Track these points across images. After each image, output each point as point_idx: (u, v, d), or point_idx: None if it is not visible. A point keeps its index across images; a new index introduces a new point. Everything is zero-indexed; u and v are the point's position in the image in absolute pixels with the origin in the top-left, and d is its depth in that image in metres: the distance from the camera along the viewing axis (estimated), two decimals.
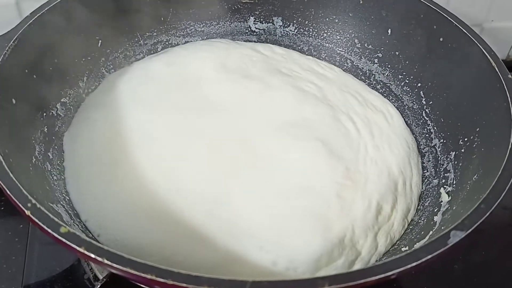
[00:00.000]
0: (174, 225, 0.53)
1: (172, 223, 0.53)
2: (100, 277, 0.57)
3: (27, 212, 0.40)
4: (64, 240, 0.38)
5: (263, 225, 0.53)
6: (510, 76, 0.55)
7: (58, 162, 0.59)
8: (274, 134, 0.62)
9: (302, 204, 0.55)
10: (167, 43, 0.78)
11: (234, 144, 0.61)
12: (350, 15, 0.76)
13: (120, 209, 0.55)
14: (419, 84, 0.70)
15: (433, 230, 0.52)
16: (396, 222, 0.58)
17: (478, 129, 0.57)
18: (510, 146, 0.48)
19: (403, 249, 0.54)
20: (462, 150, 0.59)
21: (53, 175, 0.56)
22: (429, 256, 0.38)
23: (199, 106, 0.65)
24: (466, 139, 0.59)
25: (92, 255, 0.37)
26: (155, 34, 0.77)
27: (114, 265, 0.36)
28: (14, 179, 0.42)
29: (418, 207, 0.61)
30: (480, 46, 0.59)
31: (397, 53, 0.73)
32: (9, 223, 0.66)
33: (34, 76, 0.58)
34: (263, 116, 0.65)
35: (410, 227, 0.58)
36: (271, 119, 0.64)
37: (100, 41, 0.70)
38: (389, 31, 0.73)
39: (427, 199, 0.61)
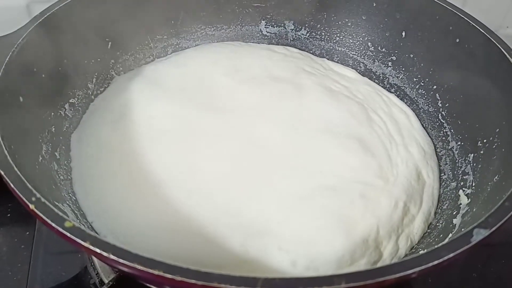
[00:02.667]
0: (187, 226, 0.51)
1: (185, 223, 0.52)
2: (106, 281, 0.56)
3: (31, 206, 0.39)
4: (68, 234, 0.37)
5: (282, 224, 0.52)
6: None
7: (65, 162, 0.58)
8: (309, 134, 0.62)
9: (325, 203, 0.54)
10: (177, 46, 0.77)
11: (258, 144, 0.60)
12: (363, 18, 0.75)
13: (129, 211, 0.53)
14: (435, 87, 0.68)
15: (453, 232, 0.50)
16: (417, 225, 0.56)
17: (497, 129, 0.55)
18: None
19: (421, 252, 0.52)
20: (481, 152, 0.57)
21: (59, 175, 0.55)
22: (451, 255, 0.36)
23: (215, 108, 0.64)
24: (485, 141, 0.57)
25: (98, 250, 0.35)
26: (165, 37, 0.76)
27: (121, 260, 0.35)
28: (19, 173, 0.41)
29: (436, 210, 0.59)
30: (498, 46, 0.58)
31: (411, 55, 0.71)
32: (15, 230, 0.65)
33: (43, 76, 0.57)
34: (296, 117, 0.64)
35: (428, 230, 0.57)
36: (306, 119, 0.64)
37: (109, 43, 0.69)
38: (403, 33, 0.72)
39: (445, 202, 0.59)
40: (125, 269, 0.35)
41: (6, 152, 0.43)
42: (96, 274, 0.59)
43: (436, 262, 0.36)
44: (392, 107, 0.69)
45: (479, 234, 0.38)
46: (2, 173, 0.41)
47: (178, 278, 0.34)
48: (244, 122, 0.62)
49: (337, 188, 0.55)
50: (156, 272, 0.34)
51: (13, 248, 0.63)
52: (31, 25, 0.57)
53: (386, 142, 0.62)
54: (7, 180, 0.40)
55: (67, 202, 0.52)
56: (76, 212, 0.52)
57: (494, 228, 0.39)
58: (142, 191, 0.55)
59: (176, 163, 0.57)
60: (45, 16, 0.59)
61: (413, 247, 0.55)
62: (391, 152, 0.61)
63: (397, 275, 0.35)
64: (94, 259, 0.60)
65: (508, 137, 0.53)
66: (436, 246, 0.37)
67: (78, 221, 0.50)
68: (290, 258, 0.49)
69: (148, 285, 0.48)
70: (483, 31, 0.60)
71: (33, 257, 0.61)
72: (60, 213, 0.38)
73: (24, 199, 0.39)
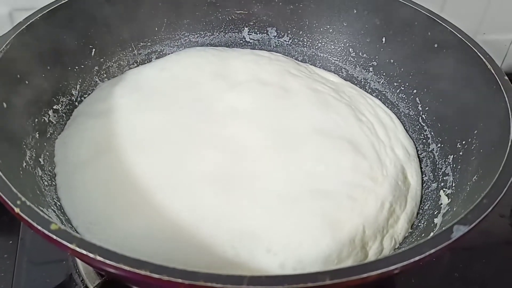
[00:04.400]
0: (175, 230, 0.51)
1: (173, 227, 0.51)
2: (91, 287, 0.56)
3: (16, 210, 0.38)
4: (54, 237, 0.37)
5: (270, 226, 0.52)
6: (506, 77, 0.55)
7: (50, 168, 0.58)
8: (299, 136, 0.62)
9: (313, 205, 0.54)
10: (161, 53, 0.78)
11: (247, 148, 0.60)
12: (345, 24, 0.77)
13: (115, 217, 0.53)
14: (415, 91, 0.69)
15: (434, 231, 0.51)
16: (401, 225, 0.57)
17: (476, 131, 0.56)
18: (510, 143, 0.47)
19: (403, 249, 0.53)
20: (461, 153, 0.58)
21: (44, 181, 0.55)
22: (433, 250, 0.37)
23: (201, 112, 0.64)
24: (464, 142, 0.58)
25: (84, 252, 0.35)
26: (149, 44, 0.76)
27: (107, 261, 0.35)
28: (4, 177, 0.41)
29: (418, 211, 0.60)
30: (475, 50, 0.59)
31: (391, 61, 0.73)
32: None
33: (26, 82, 0.57)
34: (285, 119, 0.64)
35: (410, 230, 0.57)
36: (295, 121, 0.64)
37: (93, 49, 0.69)
38: (384, 39, 0.73)
39: (426, 203, 0.60)
40: (112, 270, 0.35)
41: None
42: (81, 281, 0.59)
43: (417, 257, 0.37)
44: (377, 109, 0.70)
45: (459, 231, 0.39)
46: None
47: (165, 278, 0.34)
48: (231, 127, 0.62)
49: (326, 190, 0.56)
50: (142, 272, 0.34)
51: None
52: (14, 32, 0.57)
53: (375, 143, 0.63)
54: None
55: (52, 207, 0.52)
56: (61, 217, 0.52)
57: (473, 225, 0.40)
58: (127, 196, 0.54)
59: (161, 167, 0.57)
60: (28, 23, 0.59)
61: (397, 247, 0.56)
62: (380, 153, 0.62)
63: (380, 271, 0.35)
64: (79, 265, 0.60)
65: (485, 138, 0.54)
66: (417, 243, 0.38)
67: (63, 226, 0.50)
68: (278, 260, 0.49)
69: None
70: (460, 36, 0.62)
71: (17, 265, 0.61)
72: (46, 216, 0.38)
73: (9, 202, 0.39)
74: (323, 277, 0.34)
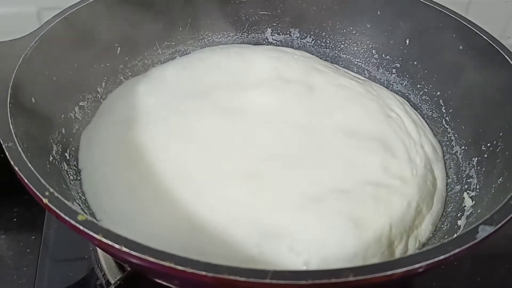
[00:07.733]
0: (197, 227, 0.51)
1: (195, 225, 0.51)
2: (112, 281, 0.57)
3: (45, 200, 0.39)
4: (81, 227, 0.37)
5: (295, 225, 0.51)
6: None
7: (75, 163, 0.59)
8: (325, 135, 0.62)
9: (338, 205, 0.53)
10: (185, 52, 0.78)
11: (271, 147, 0.60)
12: (368, 26, 0.77)
13: (138, 213, 0.54)
14: (439, 93, 0.69)
15: (458, 233, 0.51)
16: (425, 226, 0.56)
17: (501, 133, 0.56)
18: None
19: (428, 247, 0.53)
20: (485, 156, 0.58)
21: (69, 175, 0.56)
22: (458, 250, 0.37)
23: (225, 111, 0.64)
24: (489, 145, 0.57)
25: (110, 242, 0.36)
26: (173, 43, 0.77)
27: (132, 252, 0.35)
28: (33, 169, 0.42)
29: (442, 213, 0.59)
30: (501, 51, 0.59)
31: (415, 62, 0.72)
32: (21, 234, 0.67)
33: (54, 78, 0.58)
34: (310, 118, 0.64)
35: (434, 232, 0.57)
36: (320, 120, 0.64)
37: (119, 48, 0.70)
38: (407, 41, 0.73)
39: (449, 205, 0.59)
40: (137, 262, 0.35)
41: (20, 149, 0.44)
42: (103, 275, 0.59)
43: (442, 257, 0.36)
44: (405, 105, 0.70)
45: (485, 231, 0.39)
46: (17, 169, 0.41)
47: (189, 270, 0.34)
48: (255, 126, 0.62)
49: (352, 190, 0.55)
50: (167, 264, 0.34)
51: (19, 253, 0.64)
52: (43, 30, 0.58)
53: (405, 140, 0.62)
54: (22, 176, 0.41)
55: (77, 201, 0.53)
56: (85, 211, 0.53)
57: (499, 225, 0.39)
58: (150, 193, 0.55)
59: (184, 166, 0.57)
60: (56, 21, 0.60)
61: (420, 249, 0.55)
62: (410, 150, 0.61)
63: (405, 269, 0.35)
64: (101, 260, 0.60)
65: (511, 140, 0.54)
66: (442, 241, 0.38)
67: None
68: (303, 259, 0.49)
69: (157, 281, 0.49)
70: (485, 38, 0.62)
71: (40, 260, 0.62)
72: (73, 207, 0.39)
73: (38, 193, 0.40)
74: (347, 273, 0.34)
